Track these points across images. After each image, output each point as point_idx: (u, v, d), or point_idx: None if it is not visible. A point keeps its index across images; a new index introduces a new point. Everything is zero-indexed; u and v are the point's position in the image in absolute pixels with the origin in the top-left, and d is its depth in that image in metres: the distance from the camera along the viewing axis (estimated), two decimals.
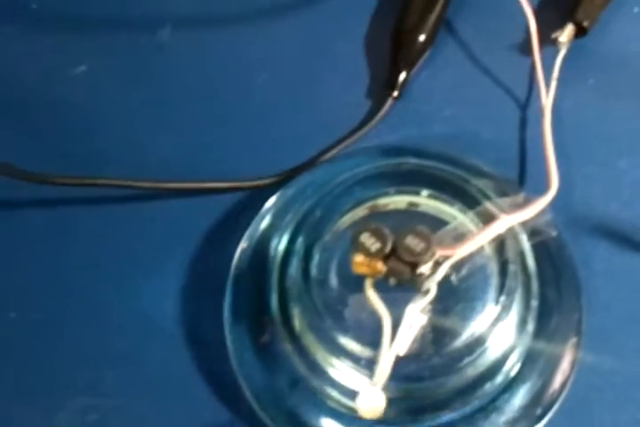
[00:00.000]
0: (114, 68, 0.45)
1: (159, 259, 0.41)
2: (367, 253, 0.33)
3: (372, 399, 0.32)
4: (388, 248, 0.33)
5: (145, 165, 0.42)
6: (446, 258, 0.34)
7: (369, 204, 0.38)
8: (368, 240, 0.33)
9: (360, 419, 0.33)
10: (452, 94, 0.44)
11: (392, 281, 0.34)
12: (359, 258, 0.34)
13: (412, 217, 0.39)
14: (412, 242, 0.33)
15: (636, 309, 0.39)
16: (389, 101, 0.43)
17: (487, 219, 0.36)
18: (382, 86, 0.43)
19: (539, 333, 0.37)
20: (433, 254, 0.34)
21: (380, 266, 0.34)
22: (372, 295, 0.34)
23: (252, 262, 0.39)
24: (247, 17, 0.45)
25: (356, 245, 0.33)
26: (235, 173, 0.42)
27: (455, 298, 0.36)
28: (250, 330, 0.38)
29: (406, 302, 0.34)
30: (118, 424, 0.39)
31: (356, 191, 0.38)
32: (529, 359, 0.37)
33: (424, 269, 0.34)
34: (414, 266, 0.34)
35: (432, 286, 0.34)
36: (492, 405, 0.37)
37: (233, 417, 0.38)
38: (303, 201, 0.39)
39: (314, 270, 0.37)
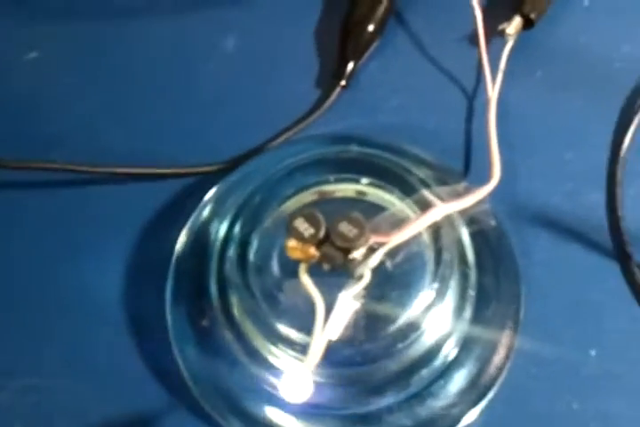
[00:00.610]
0: (65, 55, 0.45)
1: (104, 242, 0.41)
2: (300, 238, 0.34)
3: (298, 383, 0.32)
4: (322, 234, 0.34)
5: (93, 150, 0.42)
6: (381, 244, 0.35)
7: (314, 190, 0.38)
8: (302, 225, 0.34)
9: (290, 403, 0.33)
10: (400, 84, 0.44)
11: (326, 266, 0.34)
12: (292, 242, 0.34)
13: (357, 205, 0.39)
14: (346, 228, 0.34)
15: (574, 299, 0.39)
16: (337, 91, 0.43)
17: (425, 207, 0.36)
18: (331, 76, 0.44)
19: (476, 320, 0.38)
20: (366, 241, 0.34)
21: (313, 251, 0.34)
22: (306, 280, 0.34)
23: (193, 248, 0.39)
24: (197, 5, 0.46)
25: (290, 230, 0.34)
26: (183, 159, 0.42)
27: (390, 284, 0.36)
28: (190, 314, 0.39)
29: (341, 287, 0.35)
30: (58, 405, 0.39)
31: (297, 177, 0.38)
32: (466, 346, 0.38)
33: (357, 254, 0.34)
34: (347, 252, 0.34)
35: (366, 271, 0.35)
36: (428, 390, 0.37)
37: (172, 400, 0.38)
38: (245, 187, 0.39)
39: (252, 257, 0.37)
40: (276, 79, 0.44)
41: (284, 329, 0.36)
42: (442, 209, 0.36)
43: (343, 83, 0.43)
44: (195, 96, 0.44)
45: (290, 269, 0.36)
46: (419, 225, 0.35)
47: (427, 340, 0.37)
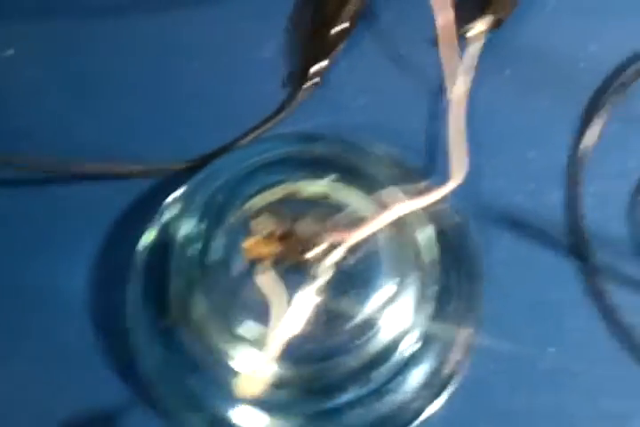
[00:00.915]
0: (41, 53, 0.45)
1: (71, 240, 0.41)
2: (261, 235, 0.34)
3: (252, 379, 0.32)
4: (282, 231, 0.34)
5: (64, 146, 0.43)
6: (341, 242, 0.35)
7: (278, 188, 0.39)
8: (263, 223, 0.35)
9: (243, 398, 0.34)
10: (369, 83, 0.44)
11: (285, 264, 0.35)
12: (253, 240, 0.35)
13: (321, 203, 0.39)
14: (306, 225, 0.34)
15: (534, 297, 0.40)
16: (305, 89, 0.43)
17: (386, 204, 0.37)
18: (300, 75, 0.44)
19: (436, 316, 0.38)
20: (326, 238, 0.35)
21: (274, 248, 0.34)
22: (266, 278, 0.35)
23: (158, 246, 0.40)
24: (167, 4, 0.46)
25: (251, 228, 0.34)
26: (152, 157, 0.42)
27: (351, 280, 0.37)
28: (154, 313, 0.39)
29: (301, 284, 0.35)
30: (21, 402, 0.39)
31: (262, 176, 0.39)
32: (426, 342, 0.38)
33: (317, 252, 0.35)
34: (307, 249, 0.34)
35: (326, 268, 0.35)
36: (389, 385, 0.38)
37: (134, 398, 0.39)
38: (211, 185, 0.39)
39: (214, 255, 0.38)
40: (245, 78, 0.44)
41: (244, 328, 0.36)
42: (403, 207, 0.37)
43: (312, 82, 0.43)
44: (165, 94, 0.44)
45: (252, 267, 0.36)
46: (379, 223, 0.36)
47: (387, 335, 0.37)
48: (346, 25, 0.44)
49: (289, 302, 0.34)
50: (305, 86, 0.43)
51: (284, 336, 0.34)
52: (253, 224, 0.34)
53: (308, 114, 0.44)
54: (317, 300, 0.36)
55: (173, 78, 0.45)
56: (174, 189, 0.41)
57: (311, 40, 0.44)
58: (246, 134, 0.43)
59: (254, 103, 0.44)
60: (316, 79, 0.44)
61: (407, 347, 0.38)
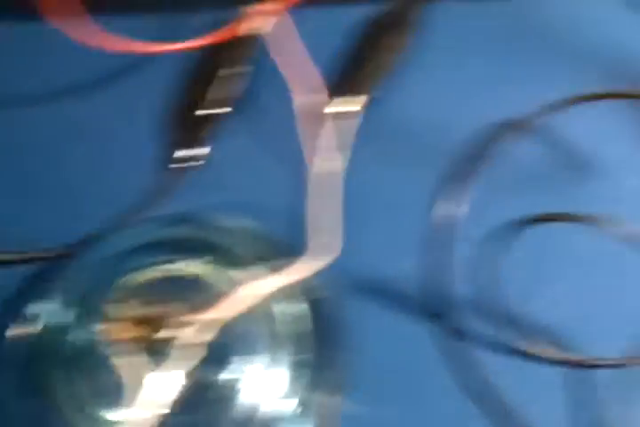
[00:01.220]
0: None
1: None
2: (120, 321, 0.36)
3: None
4: (141, 316, 0.36)
5: None
6: (202, 322, 0.37)
7: (146, 271, 0.40)
8: (125, 308, 0.36)
9: None
10: (247, 164, 0.46)
11: (145, 347, 0.36)
12: (113, 325, 0.36)
13: (190, 285, 0.40)
14: (164, 309, 0.36)
15: (399, 363, 0.41)
16: (184, 173, 0.45)
17: (252, 282, 0.38)
18: (179, 158, 0.46)
19: (310, 385, 0.39)
20: (191, 319, 0.36)
21: (133, 333, 0.36)
22: (124, 362, 0.36)
23: (30, 334, 0.40)
24: (49, 95, 0.48)
25: (111, 314, 0.36)
26: (36, 244, 0.43)
27: (220, 357, 0.38)
28: (24, 400, 0.39)
29: (161, 365, 0.36)
30: None
31: (131, 259, 0.40)
32: (302, 410, 0.39)
33: (174, 334, 0.36)
34: (164, 331, 0.36)
35: (188, 348, 0.36)
36: None
37: None
38: (83, 272, 0.41)
39: (79, 341, 0.38)
40: (123, 163, 0.46)
41: (108, 411, 0.37)
42: (270, 284, 0.38)
43: (189, 165, 0.45)
44: (44, 181, 0.46)
45: (115, 350, 0.37)
46: (245, 301, 0.37)
47: (261, 407, 0.38)
48: (223, 109, 0.46)
49: (147, 383, 0.35)
50: (182, 169, 0.45)
51: (148, 417, 0.35)
52: (114, 308, 0.36)
53: (185, 197, 0.45)
54: (183, 378, 0.37)
55: (53, 165, 0.46)
56: (52, 275, 0.42)
57: (188, 125, 0.46)
58: (124, 218, 0.44)
59: (133, 188, 0.45)
60: (194, 162, 0.45)
61: (284, 417, 0.39)
